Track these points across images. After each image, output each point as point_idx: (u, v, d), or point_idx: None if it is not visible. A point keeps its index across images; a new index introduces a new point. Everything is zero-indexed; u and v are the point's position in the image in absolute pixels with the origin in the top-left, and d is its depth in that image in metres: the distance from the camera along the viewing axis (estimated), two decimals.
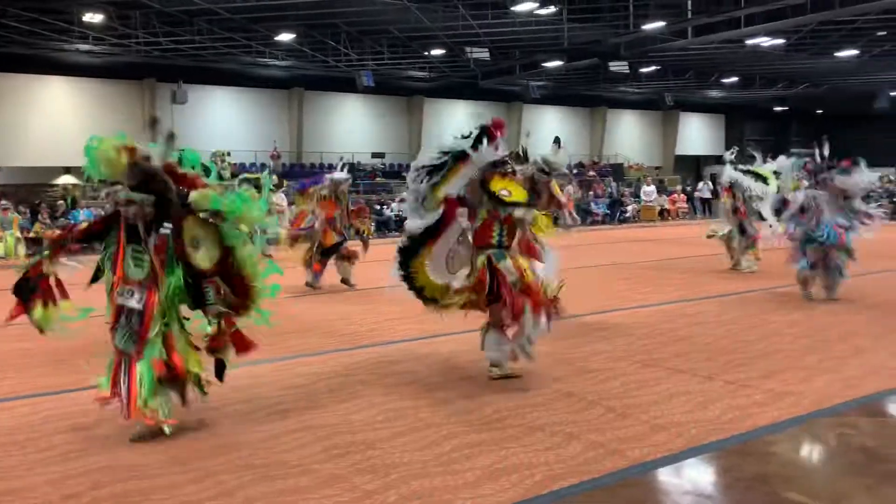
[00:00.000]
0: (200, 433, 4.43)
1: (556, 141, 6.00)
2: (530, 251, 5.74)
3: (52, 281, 4.49)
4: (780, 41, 25.94)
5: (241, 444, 4.25)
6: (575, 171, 30.52)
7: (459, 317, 5.62)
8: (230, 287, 4.48)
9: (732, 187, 11.02)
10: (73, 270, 4.60)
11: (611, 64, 27.31)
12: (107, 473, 3.84)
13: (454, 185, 5.15)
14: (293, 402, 5.02)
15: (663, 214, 27.05)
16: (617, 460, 3.90)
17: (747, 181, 10.32)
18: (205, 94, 28.28)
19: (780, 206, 8.79)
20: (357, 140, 31.18)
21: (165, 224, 4.28)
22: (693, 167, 40.29)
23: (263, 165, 26.38)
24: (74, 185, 24.67)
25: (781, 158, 8.64)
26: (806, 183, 8.50)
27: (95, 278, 4.58)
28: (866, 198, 8.72)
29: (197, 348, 4.57)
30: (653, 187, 27.74)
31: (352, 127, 31.53)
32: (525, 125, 32.25)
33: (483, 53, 26.57)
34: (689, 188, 30.09)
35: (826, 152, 8.43)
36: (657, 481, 3.76)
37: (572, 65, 27.95)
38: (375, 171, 29.92)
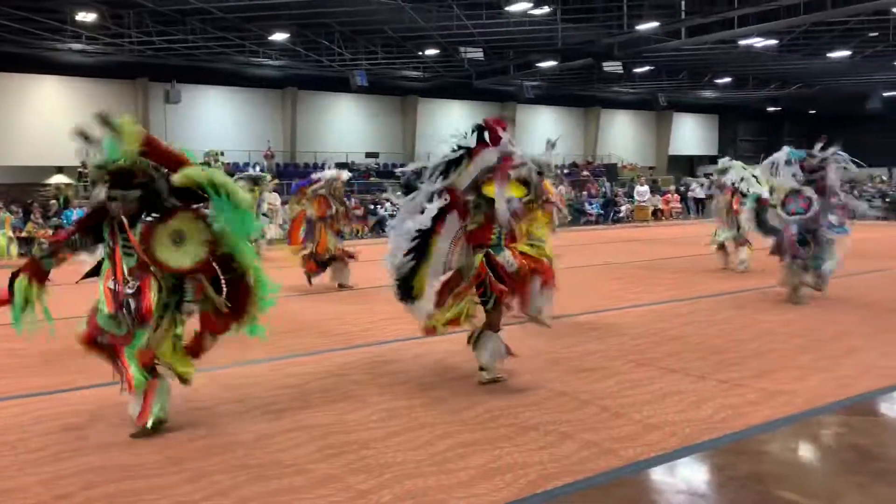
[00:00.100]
0: (194, 433, 4.42)
1: (552, 144, 6.01)
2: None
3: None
4: (773, 42, 26.03)
5: (235, 443, 4.24)
6: (566, 171, 30.57)
7: None
8: (234, 293, 4.43)
9: (735, 187, 11.10)
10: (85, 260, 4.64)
11: (604, 64, 27.37)
12: (99, 473, 3.83)
13: (463, 183, 5.15)
14: (287, 402, 5.01)
15: (657, 214, 27.12)
16: (611, 459, 3.91)
17: (753, 183, 10.30)
18: (198, 93, 28.21)
19: (757, 205, 8.88)
20: (351, 140, 31.15)
21: (153, 214, 4.28)
22: (686, 167, 40.43)
23: (257, 165, 26.35)
24: (67, 185, 24.58)
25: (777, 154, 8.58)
26: (798, 179, 8.45)
27: (94, 273, 4.58)
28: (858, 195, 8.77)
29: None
30: (646, 187, 27.81)
31: (346, 127, 31.50)
32: (519, 125, 32.30)
33: (477, 53, 26.60)
34: (682, 188, 30.17)
35: (821, 149, 8.45)
36: (651, 480, 3.77)
37: (566, 65, 28.00)
38: (369, 170, 29.90)
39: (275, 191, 16.57)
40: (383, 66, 28.26)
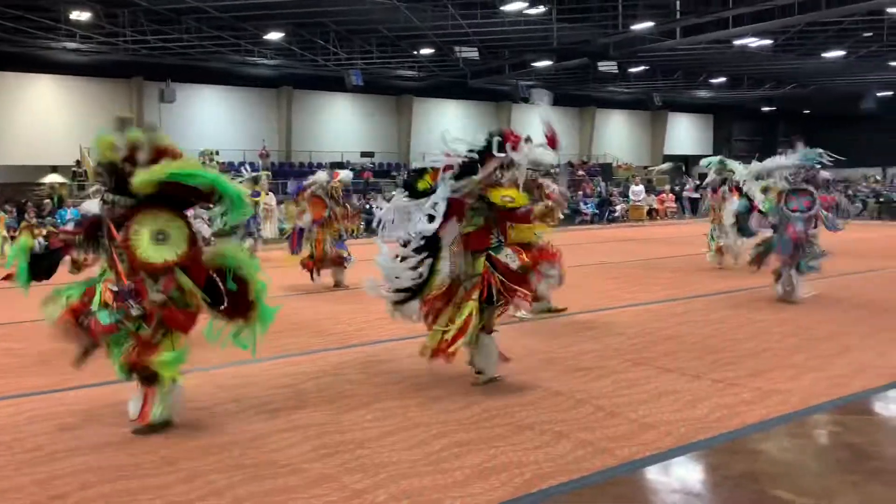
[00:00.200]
0: (190, 433, 4.41)
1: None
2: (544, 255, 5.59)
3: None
4: (768, 42, 26.08)
5: (230, 443, 4.23)
6: (557, 170, 30.55)
7: None
8: (233, 296, 4.46)
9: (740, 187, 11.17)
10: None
11: (600, 64, 27.38)
12: (95, 474, 3.82)
13: (472, 190, 5.12)
14: (282, 402, 5.01)
15: (652, 214, 27.15)
16: (606, 459, 3.91)
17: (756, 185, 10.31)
18: (193, 92, 28.14)
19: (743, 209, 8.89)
20: (346, 139, 31.11)
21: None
22: (682, 167, 40.47)
23: (252, 164, 26.30)
24: (61, 184, 24.48)
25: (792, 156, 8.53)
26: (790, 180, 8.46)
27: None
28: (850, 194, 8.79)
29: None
30: (641, 187, 27.83)
31: (341, 126, 31.45)
32: (514, 125, 32.29)
33: (472, 53, 26.56)
34: (677, 187, 30.24)
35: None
36: (646, 480, 3.78)
37: (561, 64, 28.01)
38: (365, 170, 29.87)
39: (270, 191, 16.52)
40: (378, 66, 28.24)
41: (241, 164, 25.68)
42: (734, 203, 9.89)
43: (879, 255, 13.37)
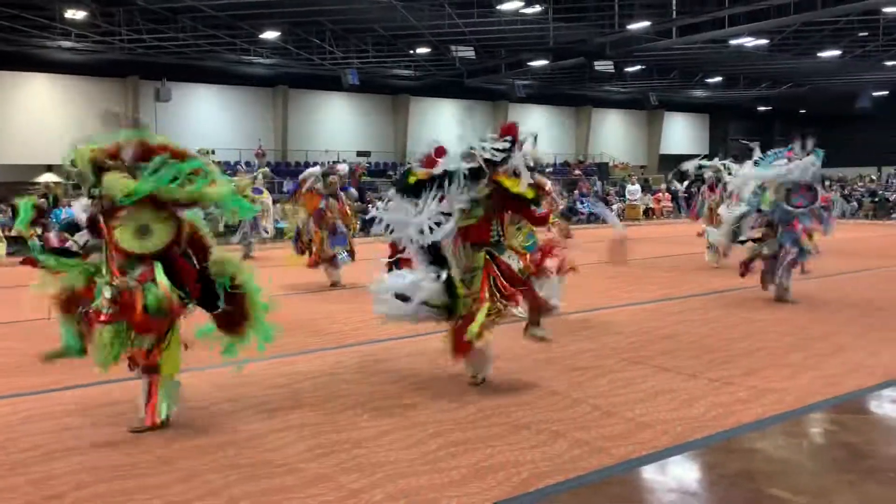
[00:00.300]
0: (186, 432, 4.40)
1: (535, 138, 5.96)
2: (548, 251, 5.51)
3: None
4: (764, 41, 26.13)
5: (226, 443, 4.22)
6: (549, 169, 30.60)
7: None
8: (229, 306, 4.50)
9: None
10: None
11: (596, 63, 27.41)
12: (90, 473, 3.81)
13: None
14: (278, 402, 5.00)
15: (648, 213, 27.19)
16: (602, 458, 3.92)
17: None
18: (189, 91, 28.09)
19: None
20: (342, 139, 31.07)
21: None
22: (677, 167, 40.48)
23: (249, 163, 26.27)
24: (56, 184, 24.40)
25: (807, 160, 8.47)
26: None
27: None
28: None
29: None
30: (637, 186, 27.87)
31: (337, 125, 31.42)
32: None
33: (469, 52, 26.57)
34: (673, 187, 30.27)
35: (809, 148, 8.46)
36: (642, 479, 3.78)
37: (558, 64, 28.02)
38: (357, 165, 29.84)
39: (265, 188, 16.53)
40: (375, 65, 28.22)
41: (237, 163, 25.71)
42: (739, 206, 9.71)
43: (874, 254, 13.41)
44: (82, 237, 4.76)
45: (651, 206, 27.54)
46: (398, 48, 26.91)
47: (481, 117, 32.55)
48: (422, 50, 27.17)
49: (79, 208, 5.12)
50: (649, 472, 3.81)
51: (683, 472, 3.89)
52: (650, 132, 40.50)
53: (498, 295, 5.02)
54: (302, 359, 6.27)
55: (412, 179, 5.09)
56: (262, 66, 27.83)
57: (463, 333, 4.90)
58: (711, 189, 12.30)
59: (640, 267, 12.40)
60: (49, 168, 25.75)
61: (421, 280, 4.97)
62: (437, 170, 5.00)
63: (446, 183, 4.94)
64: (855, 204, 26.92)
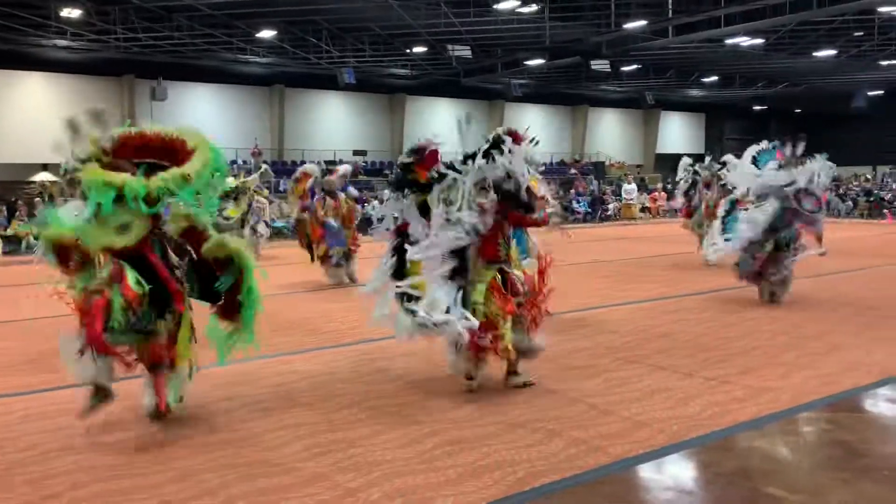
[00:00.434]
0: (182, 431, 4.40)
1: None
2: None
3: None
4: (760, 41, 26.18)
5: (223, 442, 4.22)
6: (542, 169, 30.60)
7: None
8: (231, 293, 4.52)
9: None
10: None
11: (592, 62, 27.41)
12: (87, 473, 3.81)
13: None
14: (275, 401, 5.00)
15: (644, 213, 27.22)
16: (599, 457, 3.92)
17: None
18: (185, 90, 28.04)
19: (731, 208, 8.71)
20: (339, 138, 31.06)
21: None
22: (674, 166, 40.55)
23: (245, 163, 26.26)
24: (52, 182, 24.35)
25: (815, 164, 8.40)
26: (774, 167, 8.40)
27: None
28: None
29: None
30: (634, 185, 27.91)
31: (333, 125, 31.41)
32: (507, 123, 32.26)
33: (465, 51, 26.56)
34: (669, 186, 30.32)
35: (800, 149, 8.46)
36: (639, 477, 3.79)
37: (554, 63, 28.03)
38: (357, 168, 29.85)
39: (265, 185, 16.55)
40: (371, 64, 28.20)
41: (234, 162, 25.67)
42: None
43: (869, 253, 13.44)
44: None
45: (647, 205, 27.57)
46: (395, 47, 26.89)
47: (478, 118, 32.55)
48: (418, 49, 27.16)
49: (72, 209, 5.13)
50: (646, 471, 3.82)
51: (680, 471, 3.90)
52: (646, 131, 40.55)
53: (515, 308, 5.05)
54: (298, 358, 6.27)
55: (412, 178, 5.06)
56: (259, 65, 27.79)
57: (476, 336, 4.89)
58: (707, 186, 12.35)
59: (635, 266, 12.42)
60: (45, 167, 25.69)
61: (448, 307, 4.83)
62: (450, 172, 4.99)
63: (465, 185, 4.91)
64: (850, 203, 26.99)
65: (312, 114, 30.87)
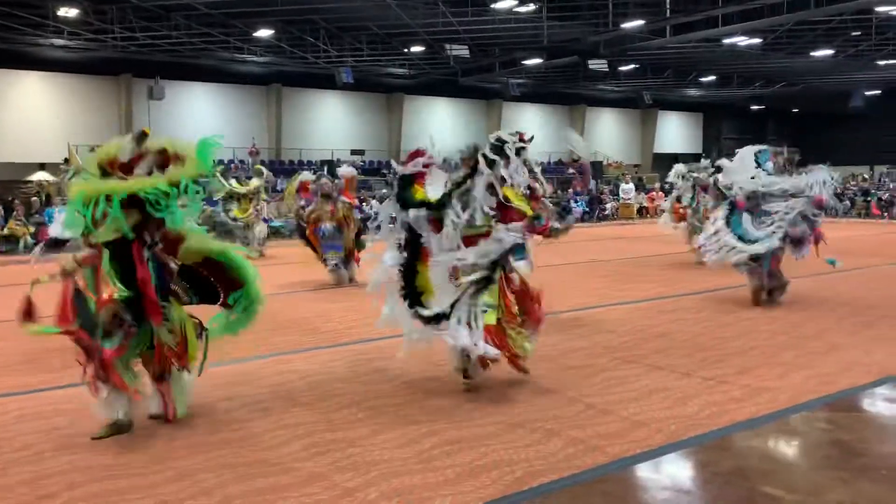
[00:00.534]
0: (179, 432, 4.39)
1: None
2: None
3: None
4: (757, 40, 26.21)
5: (220, 442, 4.21)
6: (538, 169, 30.59)
7: None
8: (220, 279, 4.58)
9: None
10: None
11: (590, 62, 27.43)
12: (83, 473, 3.80)
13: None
14: (273, 401, 4.99)
15: (642, 212, 27.23)
16: (597, 456, 3.92)
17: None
18: (182, 89, 28.01)
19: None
20: (336, 137, 31.06)
21: None
22: (671, 166, 40.54)
23: (243, 163, 26.24)
24: (49, 182, 24.32)
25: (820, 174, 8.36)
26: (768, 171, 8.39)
27: None
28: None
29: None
30: (631, 185, 27.91)
31: (331, 124, 31.39)
32: (504, 122, 32.30)
33: (463, 51, 26.56)
34: (667, 186, 30.33)
35: (793, 156, 8.47)
36: (637, 477, 3.79)
37: (552, 62, 28.05)
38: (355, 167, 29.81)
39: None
40: (369, 63, 28.19)
41: (231, 161, 25.65)
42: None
43: (866, 252, 13.45)
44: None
45: (645, 204, 27.57)
46: (392, 46, 26.88)
47: (477, 123, 32.60)
48: (416, 48, 27.16)
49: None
50: (644, 471, 3.82)
51: (677, 471, 3.89)
52: (644, 131, 40.59)
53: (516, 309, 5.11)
54: (296, 357, 6.26)
55: (420, 196, 5.03)
56: (256, 65, 27.78)
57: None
58: (704, 189, 12.35)
59: (633, 265, 12.42)
60: (42, 166, 25.67)
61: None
62: (457, 176, 4.98)
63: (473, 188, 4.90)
64: (847, 203, 27.02)
65: (310, 113, 30.86)
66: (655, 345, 6.46)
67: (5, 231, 17.58)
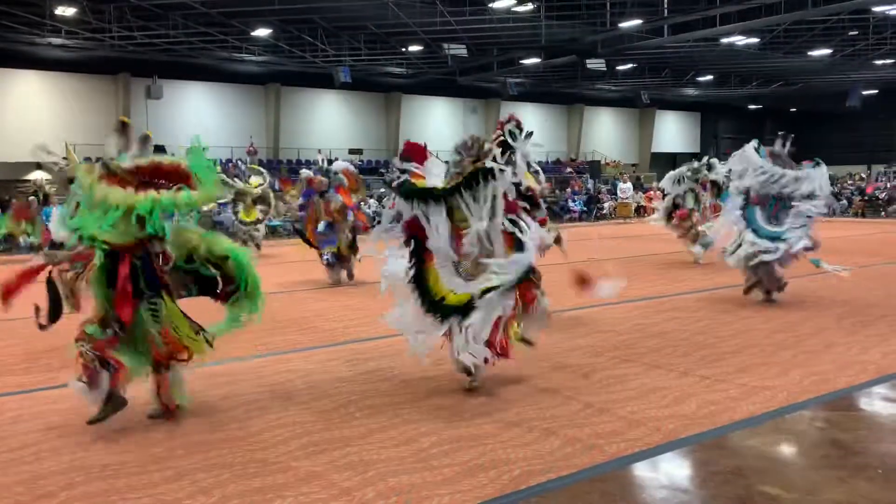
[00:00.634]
0: (176, 431, 4.39)
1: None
2: None
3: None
4: (755, 40, 26.24)
5: (217, 441, 4.21)
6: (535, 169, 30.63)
7: None
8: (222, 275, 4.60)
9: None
10: None
11: (588, 61, 27.45)
12: (80, 473, 3.79)
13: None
14: (270, 400, 4.99)
15: (639, 211, 27.25)
16: (595, 455, 3.92)
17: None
18: (180, 89, 28.00)
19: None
20: (334, 136, 31.06)
21: None
22: (669, 165, 40.63)
23: (242, 161, 26.19)
24: (47, 181, 24.28)
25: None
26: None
27: None
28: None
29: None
30: (629, 184, 27.95)
31: (329, 123, 31.40)
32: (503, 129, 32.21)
33: (461, 50, 26.56)
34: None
35: (786, 147, 8.47)
36: (634, 476, 3.79)
37: (550, 62, 28.07)
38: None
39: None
40: (367, 63, 28.18)
41: (229, 160, 25.64)
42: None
43: (863, 252, 13.46)
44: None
45: (642, 203, 27.59)
46: (390, 46, 26.88)
47: (476, 116, 32.58)
48: (414, 48, 27.15)
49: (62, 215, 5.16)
50: (641, 470, 3.82)
51: (675, 469, 3.90)
52: (642, 130, 40.64)
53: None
54: (294, 356, 6.26)
55: (421, 184, 5.00)
56: (254, 64, 27.76)
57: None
58: (703, 186, 12.39)
59: (631, 264, 12.43)
60: (39, 166, 25.57)
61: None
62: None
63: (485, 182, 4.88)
64: (845, 202, 27.06)
65: (308, 112, 30.86)
66: (653, 344, 6.46)
67: (2, 230, 17.52)
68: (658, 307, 8.34)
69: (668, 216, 12.64)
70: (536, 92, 34.25)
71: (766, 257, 8.06)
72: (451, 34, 25.08)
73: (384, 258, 5.21)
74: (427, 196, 4.95)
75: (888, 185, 29.46)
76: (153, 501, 3.46)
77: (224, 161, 25.40)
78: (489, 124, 32.11)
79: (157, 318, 4.46)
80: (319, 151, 11.38)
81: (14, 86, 25.17)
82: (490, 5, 21.73)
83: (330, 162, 11.24)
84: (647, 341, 6.57)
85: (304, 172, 11.04)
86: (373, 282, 9.88)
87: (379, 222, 5.30)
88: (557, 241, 7.23)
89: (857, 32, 25.81)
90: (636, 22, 23.48)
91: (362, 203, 11.03)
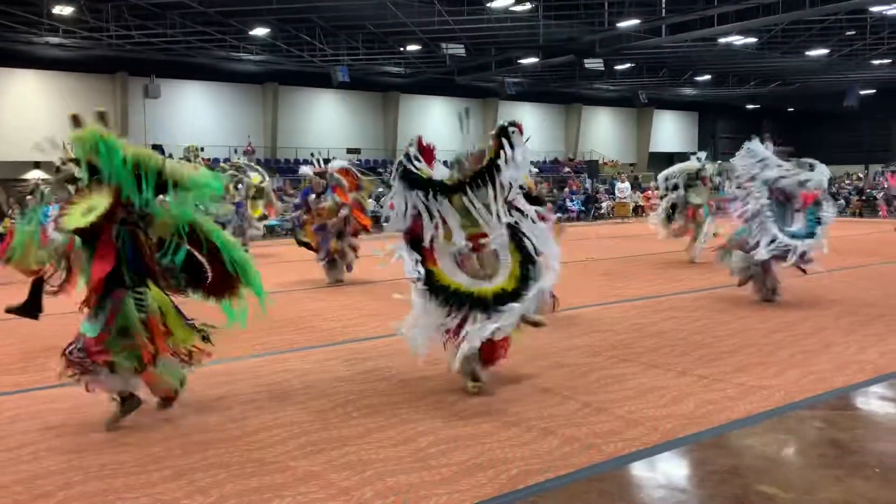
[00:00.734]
0: (174, 430, 4.39)
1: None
2: None
3: None
4: (752, 40, 26.24)
5: (215, 441, 4.21)
6: (535, 169, 30.66)
7: None
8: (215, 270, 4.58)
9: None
10: None
11: (586, 61, 27.43)
12: (79, 472, 3.79)
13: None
14: (268, 400, 4.99)
15: (638, 211, 27.26)
16: (593, 455, 3.93)
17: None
18: (178, 88, 27.94)
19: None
20: (332, 136, 31.00)
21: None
22: (667, 164, 40.59)
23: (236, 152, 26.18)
24: (45, 180, 24.26)
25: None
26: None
27: None
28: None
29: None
30: (627, 184, 27.94)
31: (327, 123, 31.35)
32: (501, 122, 32.22)
33: (459, 50, 26.53)
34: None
35: (774, 146, 8.50)
36: (632, 475, 3.80)
37: (548, 62, 28.04)
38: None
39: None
40: (365, 62, 28.14)
41: (227, 160, 25.58)
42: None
43: (861, 252, 13.49)
44: None
45: (640, 203, 27.60)
46: (388, 45, 26.85)
47: (474, 115, 32.52)
48: (412, 47, 27.12)
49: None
50: (639, 469, 3.83)
51: (673, 469, 3.90)
52: (640, 130, 40.62)
53: None
54: (292, 356, 6.26)
55: (425, 175, 4.96)
56: (252, 63, 27.71)
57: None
58: (704, 182, 12.45)
59: (629, 264, 12.44)
60: (37, 165, 25.58)
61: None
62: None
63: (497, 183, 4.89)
64: (842, 202, 27.08)
65: (306, 112, 30.82)
66: (651, 343, 6.47)
67: (0, 229, 17.51)
68: (656, 307, 8.35)
69: (668, 219, 12.64)
70: (534, 91, 34.21)
71: (791, 258, 7.98)
72: (449, 34, 25.06)
73: (393, 256, 5.14)
74: (431, 187, 4.91)
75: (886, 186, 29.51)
76: (151, 501, 3.46)
77: (223, 160, 25.38)
78: (487, 124, 32.09)
79: (142, 307, 4.38)
80: (312, 154, 11.30)
81: (11, 85, 25.10)
82: (488, 5, 21.71)
83: (326, 161, 11.19)
84: (645, 341, 6.57)
85: (304, 169, 10.99)
86: (372, 281, 9.96)
87: (387, 219, 5.23)
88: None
89: (854, 32, 25.81)
90: (634, 22, 23.47)
91: (365, 199, 10.92)
